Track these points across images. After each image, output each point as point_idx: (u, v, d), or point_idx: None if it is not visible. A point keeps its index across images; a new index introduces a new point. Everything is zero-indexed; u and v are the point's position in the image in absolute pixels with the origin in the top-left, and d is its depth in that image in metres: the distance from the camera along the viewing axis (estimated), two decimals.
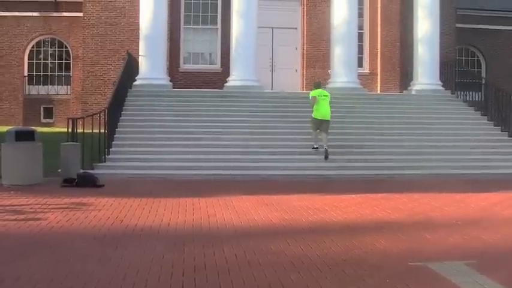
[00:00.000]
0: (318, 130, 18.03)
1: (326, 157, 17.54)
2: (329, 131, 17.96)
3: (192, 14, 25.75)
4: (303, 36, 26.23)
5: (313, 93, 18.48)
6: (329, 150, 17.57)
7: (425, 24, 23.98)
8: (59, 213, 10.72)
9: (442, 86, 24.18)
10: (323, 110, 17.99)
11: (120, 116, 19.29)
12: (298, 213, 11.22)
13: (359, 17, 24.67)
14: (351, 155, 17.97)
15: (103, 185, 14.12)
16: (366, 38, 26.61)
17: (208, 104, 20.86)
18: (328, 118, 17.96)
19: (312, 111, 18.08)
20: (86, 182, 14.11)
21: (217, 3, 25.82)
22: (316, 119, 18.01)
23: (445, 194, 14.00)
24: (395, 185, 15.45)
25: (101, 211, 10.99)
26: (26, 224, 9.82)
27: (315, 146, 18.09)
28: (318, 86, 18.85)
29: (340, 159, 17.67)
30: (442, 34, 24.98)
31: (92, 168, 15.83)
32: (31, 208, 11.22)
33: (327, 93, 18.48)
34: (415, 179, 16.56)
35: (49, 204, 11.63)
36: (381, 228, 10.08)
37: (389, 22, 26.58)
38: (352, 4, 23.18)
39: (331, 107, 18.25)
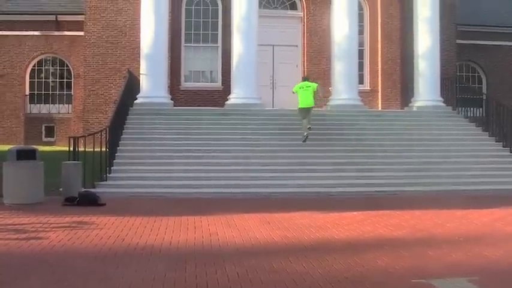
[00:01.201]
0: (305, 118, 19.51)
1: (304, 141, 19.10)
2: (331, 148, 18.56)
3: (192, 32, 25.87)
4: (304, 54, 26.36)
5: (295, 88, 20.28)
6: (328, 167, 17.78)
7: (426, 41, 24.05)
8: (61, 232, 10.70)
9: (443, 102, 24.19)
10: (302, 100, 19.69)
11: (122, 135, 19.31)
12: (300, 231, 11.19)
13: (359, 33, 24.78)
14: (352, 172, 17.98)
15: (104, 204, 14.09)
16: (366, 54, 26.72)
17: (210, 121, 20.92)
18: (308, 106, 19.56)
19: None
20: (88, 201, 14.09)
21: (217, 21, 25.93)
22: (299, 108, 19.76)
23: (446, 210, 13.96)
24: (397, 201, 15.43)
25: (102, 230, 10.97)
26: (27, 243, 9.79)
27: (305, 134, 19.29)
28: (304, 79, 20.66)
29: (342, 176, 17.67)
30: (443, 50, 25.08)
31: (94, 187, 15.82)
32: (32, 227, 11.18)
33: (309, 84, 19.97)
34: (417, 196, 16.52)
35: (50, 223, 11.61)
36: (383, 245, 10.06)
37: (389, 39, 26.75)
38: (352, 21, 23.30)
39: (315, 96, 19.81)
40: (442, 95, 24.33)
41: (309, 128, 19.13)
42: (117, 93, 21.76)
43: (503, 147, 20.96)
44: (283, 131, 20.35)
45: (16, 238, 10.11)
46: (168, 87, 23.69)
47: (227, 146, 19.05)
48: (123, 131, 19.69)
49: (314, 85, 20.00)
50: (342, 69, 23.33)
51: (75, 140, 16.10)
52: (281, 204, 14.86)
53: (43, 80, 27.82)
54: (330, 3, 24.44)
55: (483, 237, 10.86)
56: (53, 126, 27.09)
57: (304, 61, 26.33)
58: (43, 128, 27.09)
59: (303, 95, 19.69)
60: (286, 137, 19.91)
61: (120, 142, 18.78)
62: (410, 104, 24.78)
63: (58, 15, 27.28)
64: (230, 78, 23.31)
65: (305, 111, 19.51)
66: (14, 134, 26.76)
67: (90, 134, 17.18)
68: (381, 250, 9.61)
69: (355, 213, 13.41)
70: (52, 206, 13.76)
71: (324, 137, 20.14)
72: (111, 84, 24.81)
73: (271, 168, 17.95)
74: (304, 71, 25.73)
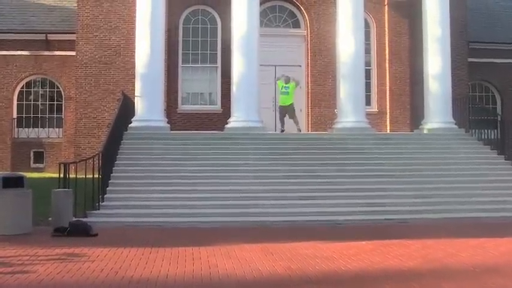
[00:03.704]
0: (286, 117, 23.46)
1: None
2: (337, 174, 18.79)
3: (190, 51, 26.14)
4: (308, 74, 26.53)
5: (278, 83, 24.14)
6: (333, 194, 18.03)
7: (437, 59, 24.12)
8: (49, 265, 10.60)
9: (455, 124, 24.20)
10: (282, 99, 23.67)
11: (115, 161, 19.28)
12: (305, 262, 11.10)
13: (366, 52, 24.88)
14: (359, 199, 17.88)
15: (97, 234, 14.00)
16: (373, 74, 26.91)
17: (208, 146, 20.93)
18: (286, 104, 23.52)
19: None
20: (79, 231, 13.98)
21: (216, 41, 26.20)
22: (279, 106, 23.94)
23: (460, 239, 13.85)
24: (407, 230, 15.34)
25: (95, 262, 10.87)
26: (13, 277, 9.66)
27: (282, 129, 23.26)
28: (285, 80, 23.78)
29: (349, 204, 17.60)
30: (454, 69, 25.21)
31: (85, 216, 15.73)
32: (19, 260, 11.06)
33: (287, 85, 23.61)
34: (428, 224, 16.44)
35: (39, 256, 11.49)
36: (393, 276, 10.00)
37: (398, 58, 26.92)
38: (359, 39, 23.44)
39: (293, 95, 23.77)
40: (454, 116, 24.33)
41: (299, 129, 23.74)
42: (111, 116, 21.84)
43: None
44: (287, 156, 20.33)
45: (1, 272, 9.97)
46: (165, 110, 23.74)
47: (227, 172, 19.03)
48: (117, 156, 19.65)
49: (291, 85, 23.74)
50: (348, 90, 23.40)
51: (66, 166, 15.97)
52: (284, 233, 14.76)
53: (32, 102, 27.92)
54: (335, 20, 24.57)
55: (501, 268, 10.73)
56: (42, 152, 27.09)
57: (308, 81, 26.48)
58: (31, 153, 27.09)
59: (282, 95, 23.63)
60: (289, 162, 19.89)
61: (113, 168, 18.73)
62: (420, 127, 24.79)
63: (48, 34, 27.51)
64: (230, 100, 23.38)
65: (286, 109, 23.63)
66: (0, 160, 26.71)
67: (82, 160, 17.10)
68: (391, 282, 9.54)
69: (363, 242, 13.32)
70: (40, 237, 13.64)
71: (329, 162, 20.14)
72: (105, 107, 24.94)
73: (273, 195, 17.87)
74: (308, 92, 26.06)
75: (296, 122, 23.70)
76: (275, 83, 24.67)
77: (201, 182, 18.36)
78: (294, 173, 19.20)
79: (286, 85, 23.69)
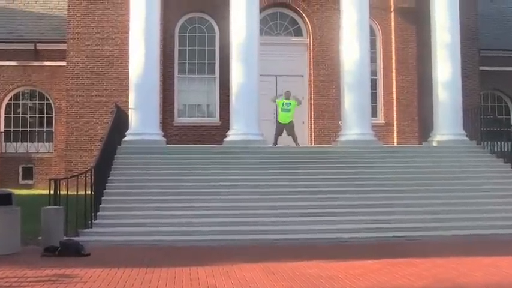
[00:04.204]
0: (281, 135, 23.89)
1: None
2: (342, 189, 18.81)
3: (187, 61, 26.17)
4: (310, 84, 26.52)
5: (278, 102, 24.28)
6: (337, 210, 17.95)
7: (446, 66, 24.17)
8: (39, 286, 10.56)
9: (466, 135, 24.13)
10: (281, 116, 23.93)
11: (109, 176, 19.18)
12: (308, 282, 11.08)
13: (372, 61, 24.96)
14: (364, 216, 17.82)
15: (89, 254, 13.95)
16: (379, 84, 26.90)
17: (206, 161, 20.88)
18: (286, 122, 23.80)
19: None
20: (70, 251, 13.92)
21: (214, 50, 26.21)
22: (278, 123, 24.13)
23: (472, 257, 13.80)
24: (417, 247, 15.26)
25: (87, 283, 10.84)
26: None
27: (274, 142, 23.51)
28: (285, 96, 24.02)
29: (354, 220, 17.52)
30: (465, 78, 25.29)
31: (77, 235, 15.66)
32: (6, 282, 11.01)
33: (289, 101, 23.88)
34: (438, 241, 16.34)
35: (27, 277, 11.43)
36: None
37: (405, 67, 26.88)
38: (364, 46, 23.51)
39: (294, 112, 23.99)
40: (465, 128, 24.30)
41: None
42: (104, 130, 21.90)
43: None
44: (289, 171, 20.28)
45: None
46: (160, 123, 23.78)
47: (225, 188, 18.94)
48: (111, 172, 19.55)
49: (292, 102, 23.98)
50: (353, 101, 23.40)
51: (57, 182, 15.89)
52: (286, 252, 14.72)
53: (20, 115, 27.97)
54: (339, 27, 24.59)
55: None
56: (32, 167, 27.06)
57: (311, 92, 26.51)
58: (20, 169, 27.07)
59: (281, 112, 23.98)
60: (290, 177, 19.83)
61: (106, 185, 18.64)
62: (429, 139, 24.74)
63: (37, 43, 27.60)
64: (229, 112, 23.36)
65: (285, 127, 23.97)
66: None
67: (74, 176, 17.07)
68: None
69: (369, 261, 13.28)
70: (30, 257, 13.57)
71: (333, 176, 20.07)
72: (97, 120, 24.99)
73: (274, 212, 17.81)
74: (311, 103, 26.07)
75: (295, 138, 23.91)
76: (275, 103, 24.83)
77: (199, 198, 18.29)
78: (295, 189, 19.11)
79: (288, 101, 23.94)
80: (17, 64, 27.51)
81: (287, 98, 23.87)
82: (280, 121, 23.93)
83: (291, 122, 23.94)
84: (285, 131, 23.95)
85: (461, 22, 24.66)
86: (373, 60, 25.54)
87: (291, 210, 17.93)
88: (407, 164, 21.81)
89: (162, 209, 17.71)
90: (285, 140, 23.95)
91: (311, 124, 26.49)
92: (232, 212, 17.70)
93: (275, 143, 23.58)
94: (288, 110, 23.79)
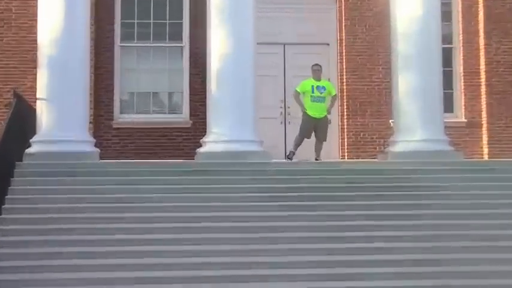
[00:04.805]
0: (308, 137, 18.21)
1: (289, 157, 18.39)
2: (393, 234, 14.23)
3: (135, 21, 21.29)
4: (342, 59, 21.62)
5: (301, 86, 18.15)
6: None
7: None
8: None
9: None
10: (312, 107, 18.07)
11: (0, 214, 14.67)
12: None
13: (445, 21, 20.03)
14: (430, 279, 12.93)
15: None
16: (458, 58, 21.96)
17: (168, 187, 15.84)
18: (320, 116, 18.15)
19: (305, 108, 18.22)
20: None
21: (182, 3, 21.60)
22: (308, 116, 18.04)
23: None
24: None
25: None
26: None
27: (292, 150, 17.98)
28: (315, 75, 18.19)
29: (411, 287, 12.82)
30: None
31: None
32: None
33: (323, 84, 18.16)
34: None
35: None
36: None
37: (501, 28, 21.86)
38: None
39: (328, 104, 18.42)
40: None
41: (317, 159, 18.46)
42: None
43: None
44: (302, 204, 15.21)
45: None
46: (91, 123, 19.20)
47: (201, 233, 14.25)
48: (3, 207, 14.79)
49: (328, 86, 18.47)
50: (412, 86, 18.18)
51: None
52: None
53: None
54: None
55: None
56: None
57: (341, 71, 21.57)
58: None
59: (315, 101, 18.34)
60: (307, 214, 14.83)
61: None
62: None
63: None
64: (205, 105, 18.57)
65: (319, 125, 18.34)
66: None
67: None
68: None
69: None
70: None
71: (378, 212, 14.93)
72: None
73: (280, 273, 13.01)
74: (342, 90, 21.57)
75: (320, 148, 18.90)
76: (297, 91, 19.11)
77: (153, 250, 13.76)
78: (314, 234, 14.40)
79: (321, 85, 18.38)
80: None
81: (318, 79, 18.35)
82: (310, 114, 18.42)
83: (326, 117, 18.49)
84: (313, 133, 18.67)
85: None
86: (446, 18, 20.80)
87: (306, 270, 13.36)
88: (507, 191, 16.30)
89: (89, 269, 13.13)
90: (306, 151, 19.01)
91: (342, 124, 21.51)
92: (213, 273, 13.05)
93: (293, 153, 18.33)
94: (323, 99, 18.34)
